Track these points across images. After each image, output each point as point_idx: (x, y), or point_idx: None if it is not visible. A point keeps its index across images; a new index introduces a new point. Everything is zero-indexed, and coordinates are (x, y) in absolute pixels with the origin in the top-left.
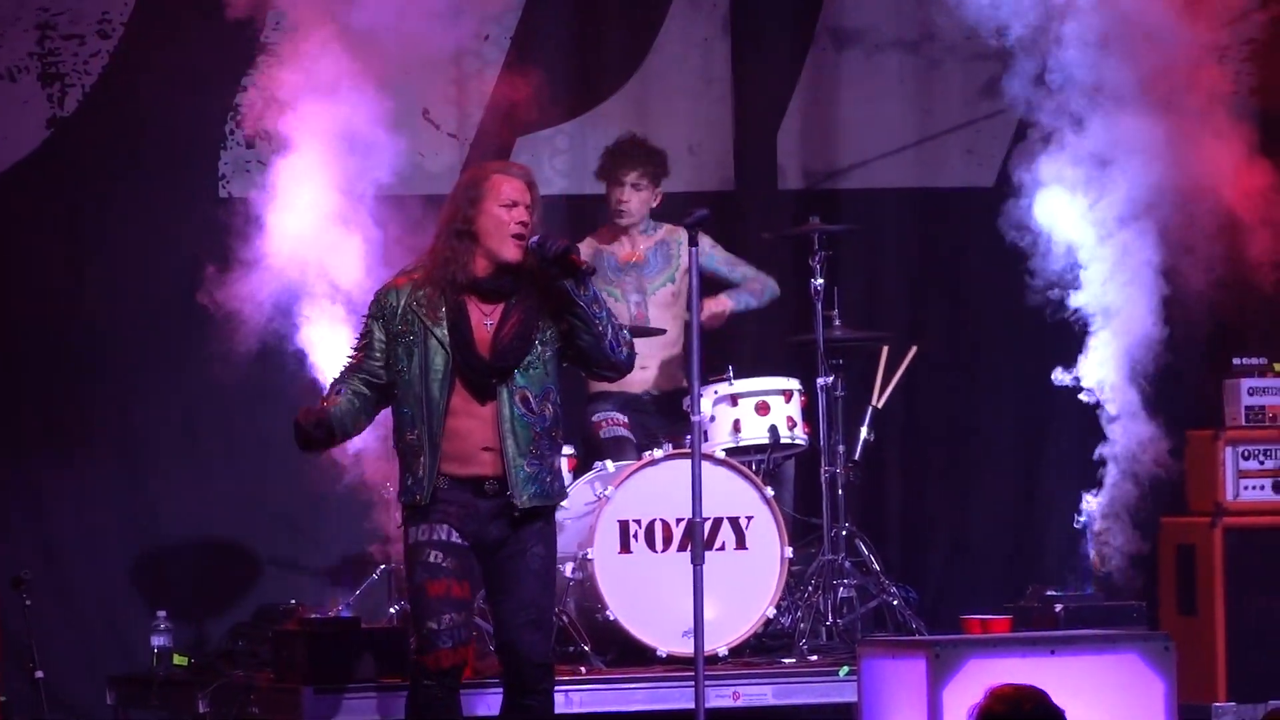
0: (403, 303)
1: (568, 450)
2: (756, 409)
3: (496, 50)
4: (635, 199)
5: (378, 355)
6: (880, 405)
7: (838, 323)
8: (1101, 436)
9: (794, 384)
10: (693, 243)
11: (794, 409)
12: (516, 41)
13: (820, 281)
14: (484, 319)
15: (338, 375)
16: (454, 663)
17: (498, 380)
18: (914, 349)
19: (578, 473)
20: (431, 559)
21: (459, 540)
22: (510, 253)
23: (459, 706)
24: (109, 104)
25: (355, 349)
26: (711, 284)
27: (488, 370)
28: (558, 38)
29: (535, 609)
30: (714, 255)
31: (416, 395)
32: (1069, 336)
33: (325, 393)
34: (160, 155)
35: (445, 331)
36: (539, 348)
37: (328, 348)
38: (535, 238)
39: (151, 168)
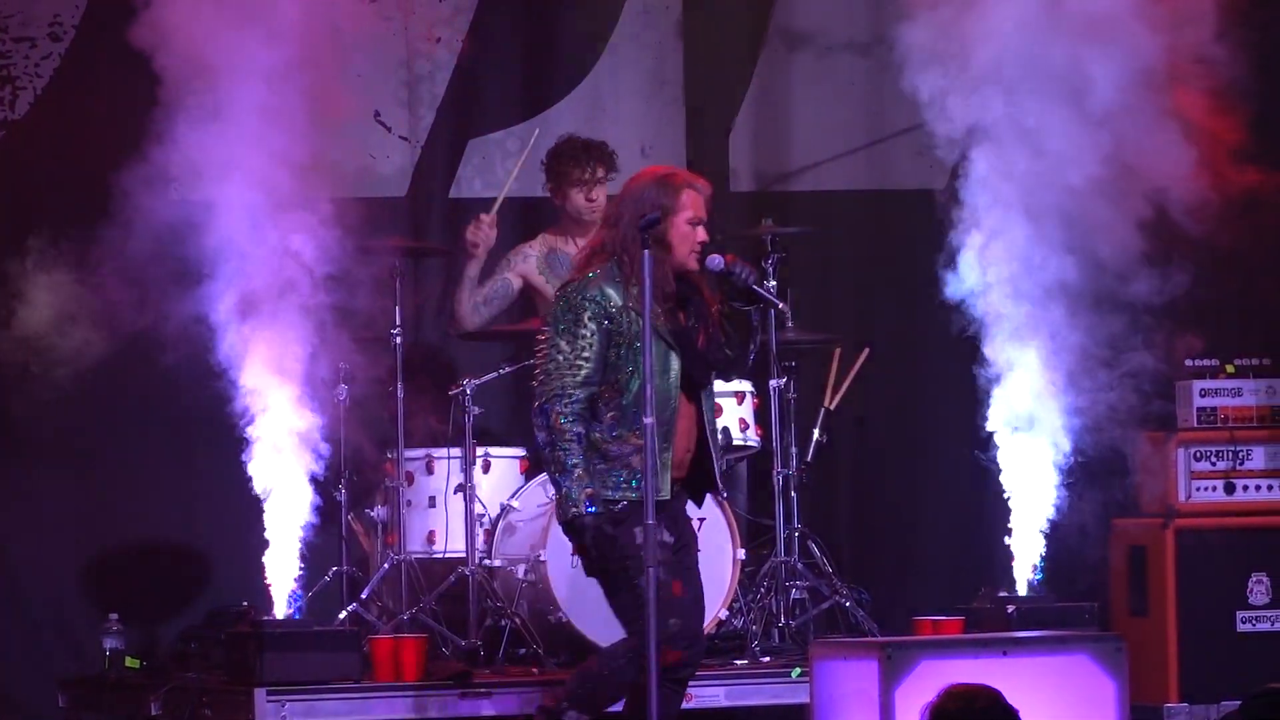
0: (623, 300)
1: (520, 452)
2: None
3: (448, 53)
4: (602, 194)
5: (595, 357)
6: (833, 407)
7: (790, 325)
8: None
9: (746, 386)
10: (644, 245)
11: (746, 411)
12: (468, 44)
13: (773, 283)
14: (680, 321)
15: (573, 426)
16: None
17: (705, 385)
18: (866, 351)
19: (529, 475)
20: (666, 560)
21: (670, 540)
22: (693, 265)
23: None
24: (60, 106)
25: (581, 359)
26: None
27: (707, 374)
28: (510, 40)
29: (701, 595)
30: None
31: (649, 394)
32: None
33: (573, 467)
34: (112, 158)
35: (668, 333)
36: (721, 348)
37: (279, 349)
38: (718, 259)
39: (103, 170)
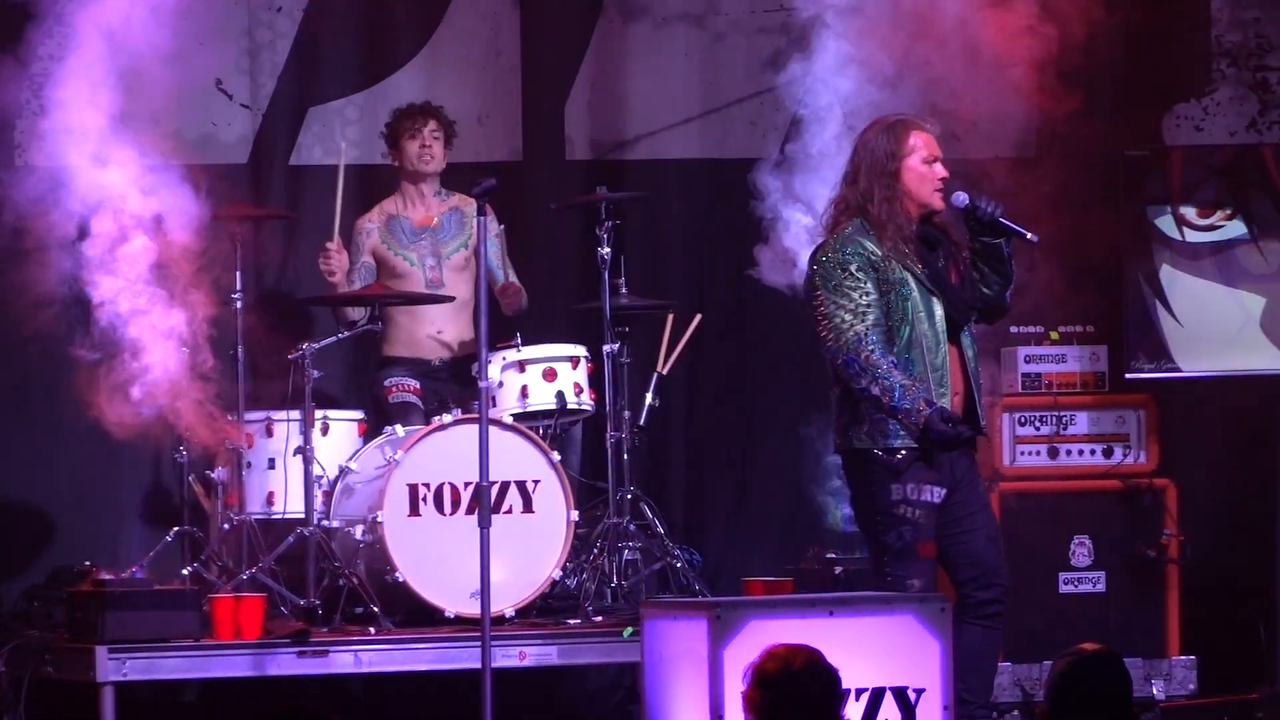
0: (880, 250)
1: (358, 415)
2: (544, 375)
3: (288, 22)
4: (436, 147)
5: (875, 303)
6: (665, 372)
7: (624, 291)
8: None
9: (580, 350)
10: (481, 211)
11: (580, 375)
12: (309, 13)
13: (607, 250)
14: (937, 264)
15: (882, 355)
16: None
17: (964, 324)
18: (699, 317)
19: (368, 437)
20: (921, 520)
21: (937, 499)
22: (938, 202)
23: None
24: None
25: (863, 305)
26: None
27: (966, 314)
28: (349, 9)
29: (996, 530)
30: (494, 244)
31: (916, 340)
32: None
33: (900, 385)
34: None
35: (926, 277)
36: (974, 285)
37: (123, 312)
38: (964, 196)
39: None
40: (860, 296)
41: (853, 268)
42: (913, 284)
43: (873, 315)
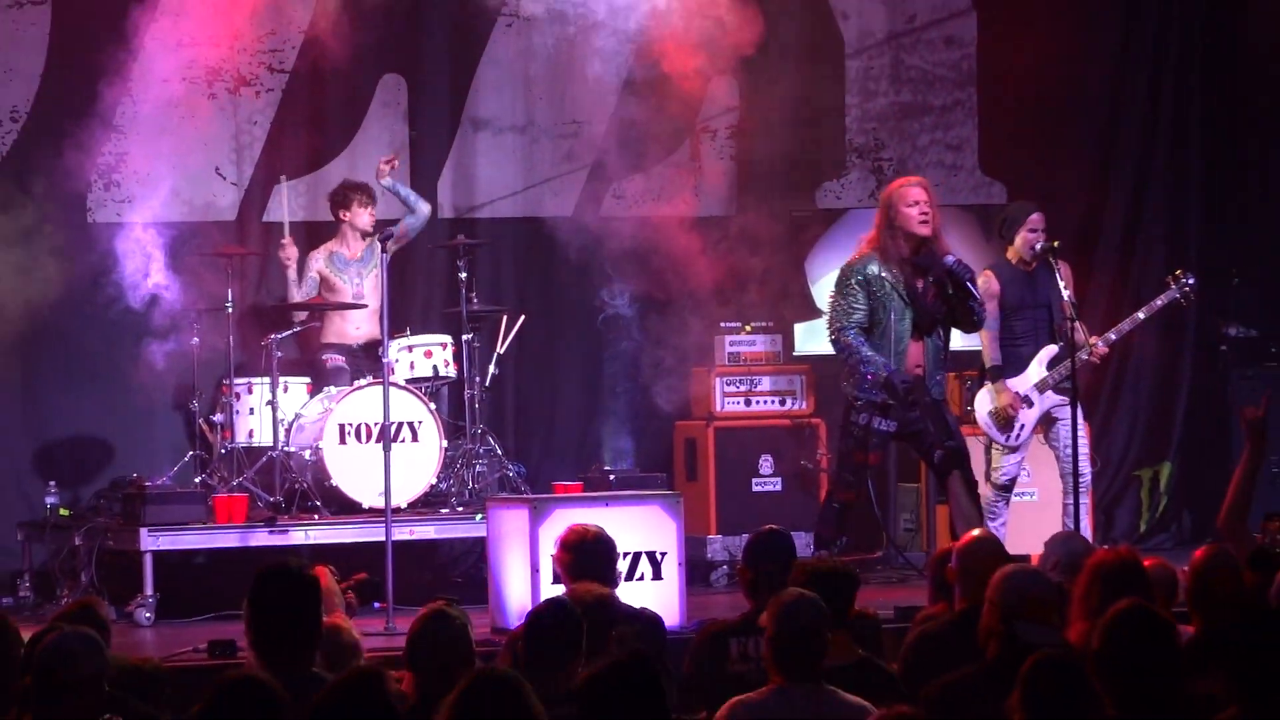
0: (876, 272)
1: (305, 380)
2: (424, 354)
3: (261, 130)
4: (374, 211)
5: (861, 305)
6: (502, 351)
7: (475, 300)
8: (639, 369)
9: (448, 338)
10: (384, 250)
11: (448, 354)
12: (274, 123)
13: (464, 274)
14: (917, 286)
15: (856, 340)
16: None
17: (928, 326)
18: (523, 317)
19: (312, 394)
20: (874, 442)
21: (889, 429)
22: (920, 230)
23: None
24: (18, 161)
25: (853, 307)
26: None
27: (932, 323)
28: (300, 123)
29: (951, 438)
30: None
31: (886, 333)
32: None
33: (869, 357)
34: (61, 198)
35: (905, 293)
36: (943, 305)
37: (157, 314)
38: (952, 258)
39: (68, 201)
40: (852, 301)
41: (853, 281)
42: (895, 297)
43: (856, 315)
